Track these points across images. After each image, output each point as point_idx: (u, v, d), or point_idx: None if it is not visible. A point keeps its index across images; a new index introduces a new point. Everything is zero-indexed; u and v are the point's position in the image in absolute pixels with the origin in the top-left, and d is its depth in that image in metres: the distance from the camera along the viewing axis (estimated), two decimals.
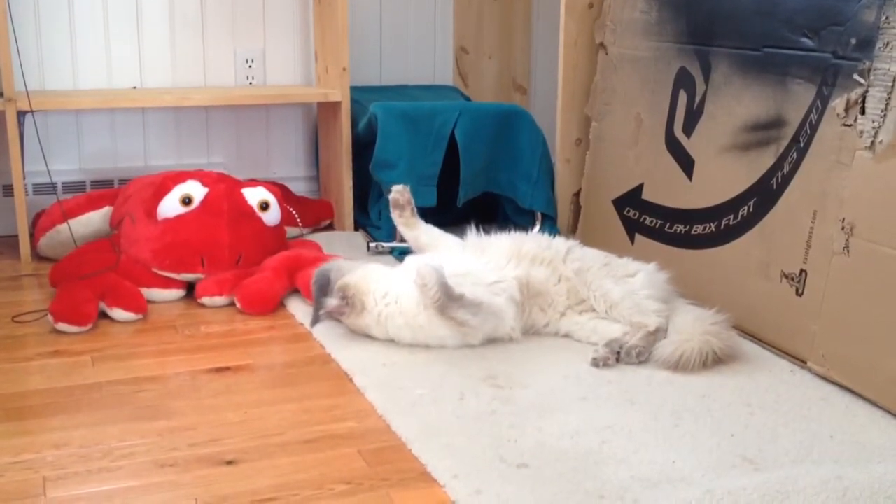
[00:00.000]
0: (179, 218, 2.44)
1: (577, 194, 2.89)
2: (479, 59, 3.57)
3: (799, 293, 2.00)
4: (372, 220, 2.99)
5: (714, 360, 1.98)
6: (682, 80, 2.42)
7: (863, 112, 1.85)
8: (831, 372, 1.90)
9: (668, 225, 2.45)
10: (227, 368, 2.00)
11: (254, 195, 2.54)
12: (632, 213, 2.60)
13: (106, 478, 1.53)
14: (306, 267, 2.40)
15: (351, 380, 1.93)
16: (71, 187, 3.05)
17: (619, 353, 2.01)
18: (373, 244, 2.81)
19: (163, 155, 3.18)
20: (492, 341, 2.11)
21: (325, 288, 2.14)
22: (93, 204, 2.69)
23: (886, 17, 1.81)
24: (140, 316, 2.27)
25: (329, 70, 3.08)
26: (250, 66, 3.23)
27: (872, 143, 1.82)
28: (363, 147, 2.95)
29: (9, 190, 2.87)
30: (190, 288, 2.45)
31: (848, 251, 1.87)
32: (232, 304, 2.38)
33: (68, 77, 3.03)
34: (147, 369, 1.98)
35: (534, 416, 1.74)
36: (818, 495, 1.45)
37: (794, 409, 1.79)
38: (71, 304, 2.19)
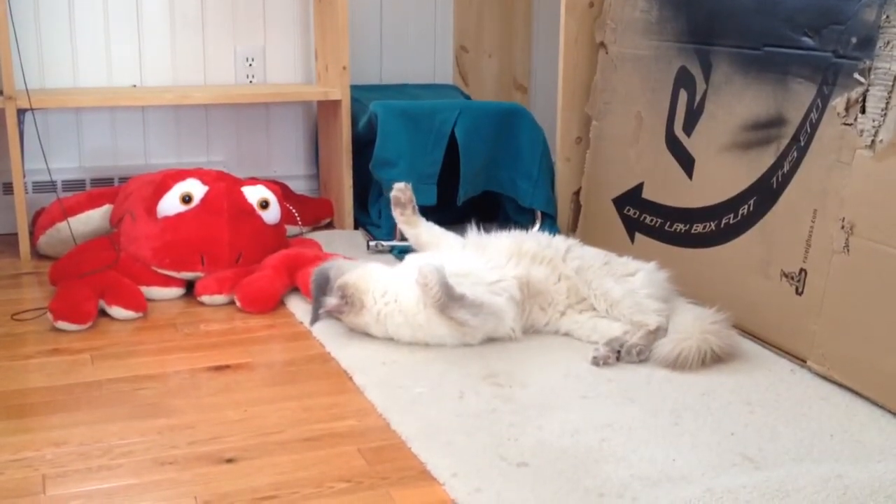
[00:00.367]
0: (179, 216, 2.44)
1: (578, 193, 2.88)
2: (479, 58, 3.57)
3: (799, 292, 2.00)
4: (372, 219, 2.99)
5: (713, 359, 1.98)
6: (683, 79, 2.42)
7: (863, 111, 1.85)
8: (831, 371, 1.90)
9: (668, 224, 2.45)
10: (227, 367, 2.00)
11: (254, 193, 2.54)
12: (632, 211, 2.60)
13: (105, 476, 1.53)
14: (306, 265, 2.40)
15: (351, 378, 1.93)
16: (71, 185, 3.05)
17: (619, 351, 2.01)
18: (372, 243, 2.81)
19: (163, 153, 3.18)
20: (492, 340, 2.11)
21: (323, 287, 2.14)
22: (93, 202, 2.69)
23: (887, 17, 1.81)
24: (140, 314, 2.27)
25: (329, 68, 3.08)
26: (250, 65, 3.23)
27: (872, 142, 1.82)
28: (363, 146, 2.95)
29: (9, 188, 2.86)
30: (190, 286, 2.45)
31: (848, 250, 1.86)
32: (232, 303, 2.38)
33: (68, 75, 3.03)
34: (147, 367, 1.98)
35: (534, 415, 1.74)
36: (818, 494, 1.45)
37: (794, 407, 1.79)
38: (70, 303, 2.19)
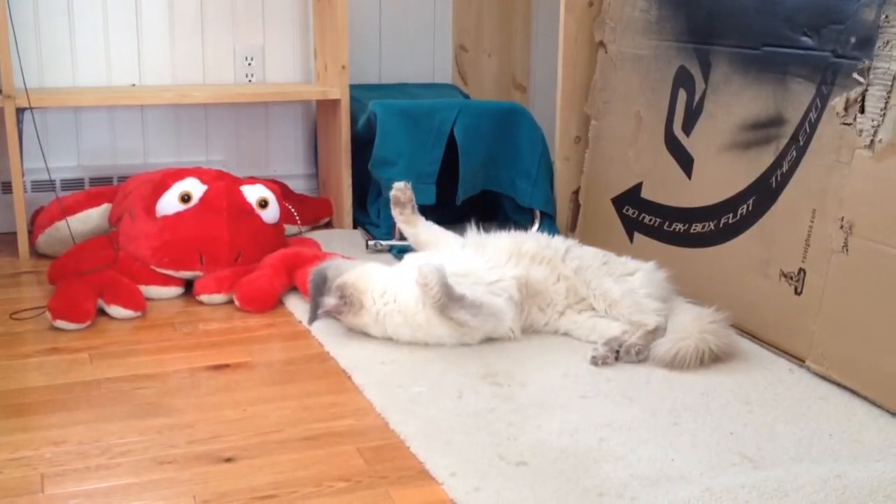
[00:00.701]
0: (178, 215, 2.44)
1: (577, 192, 2.88)
2: (478, 57, 3.57)
3: (798, 292, 2.00)
4: (371, 218, 2.98)
5: (711, 359, 1.98)
6: (682, 79, 2.42)
7: (862, 111, 1.85)
8: (830, 370, 1.90)
9: (667, 223, 2.45)
10: (226, 366, 2.00)
11: (253, 193, 2.54)
12: (631, 211, 2.60)
13: (104, 475, 1.53)
14: (305, 265, 2.39)
15: (350, 378, 1.93)
16: (70, 184, 3.05)
17: (618, 351, 2.01)
18: (371, 242, 2.81)
19: (162, 152, 3.18)
20: (491, 340, 2.11)
21: (321, 287, 2.13)
22: (92, 201, 2.68)
23: (886, 16, 1.81)
24: (138, 313, 2.27)
25: (328, 68, 3.08)
26: (250, 64, 3.23)
27: (872, 141, 1.82)
28: (362, 145, 2.95)
29: (8, 187, 2.86)
30: (188, 285, 2.45)
31: (847, 250, 1.87)
32: (231, 302, 2.38)
33: (67, 74, 3.03)
34: (146, 367, 1.98)
35: (533, 414, 1.74)
36: (817, 493, 1.45)
37: (793, 407, 1.79)
38: (69, 301, 2.19)
